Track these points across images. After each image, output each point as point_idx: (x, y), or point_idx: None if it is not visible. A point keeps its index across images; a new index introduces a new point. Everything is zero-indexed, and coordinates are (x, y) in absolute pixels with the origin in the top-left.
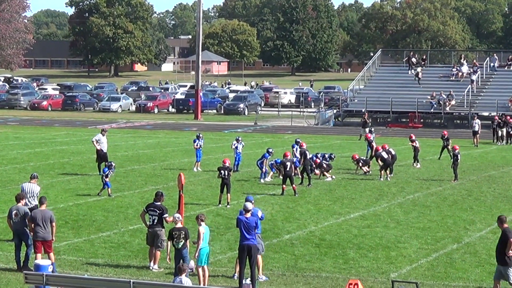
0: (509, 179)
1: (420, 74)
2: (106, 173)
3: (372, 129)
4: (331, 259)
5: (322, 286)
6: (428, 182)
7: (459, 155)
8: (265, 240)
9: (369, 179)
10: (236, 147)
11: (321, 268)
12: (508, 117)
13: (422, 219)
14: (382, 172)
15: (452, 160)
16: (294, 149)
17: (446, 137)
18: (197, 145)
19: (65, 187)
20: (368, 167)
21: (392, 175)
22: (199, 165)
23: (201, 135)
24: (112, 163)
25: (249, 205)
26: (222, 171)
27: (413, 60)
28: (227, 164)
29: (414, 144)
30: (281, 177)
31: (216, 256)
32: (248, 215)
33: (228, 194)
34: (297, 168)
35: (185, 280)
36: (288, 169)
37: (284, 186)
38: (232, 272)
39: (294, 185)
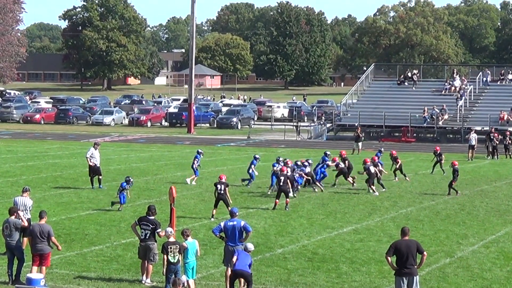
0: (501, 193)
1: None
2: (124, 187)
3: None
4: (324, 273)
5: None
6: (421, 197)
7: (457, 171)
8: (258, 254)
9: (356, 193)
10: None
11: (314, 282)
12: (495, 133)
13: (415, 233)
14: (371, 186)
15: (452, 175)
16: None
17: (438, 152)
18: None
19: (57, 201)
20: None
21: (384, 190)
22: (195, 180)
23: (201, 151)
24: (130, 178)
25: (251, 247)
26: (219, 186)
27: (409, 74)
28: (223, 180)
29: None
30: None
31: (208, 270)
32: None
33: (229, 208)
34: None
35: None
36: (282, 183)
37: (277, 200)
38: (224, 286)
39: (287, 199)
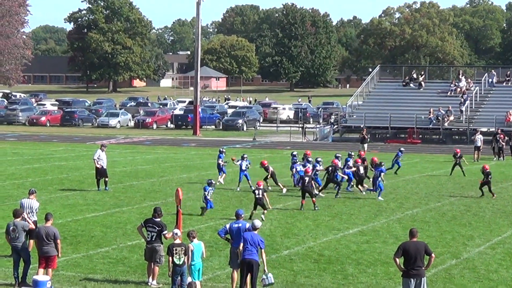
0: (507, 194)
1: (423, 84)
2: (208, 191)
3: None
4: (330, 274)
5: None
6: (427, 198)
7: (490, 174)
8: None
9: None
10: (241, 165)
11: (320, 284)
12: (501, 134)
13: (421, 235)
14: (359, 186)
15: (485, 177)
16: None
17: (459, 155)
18: (222, 162)
19: (63, 203)
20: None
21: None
22: (223, 178)
23: (223, 150)
24: (212, 180)
25: (258, 223)
26: (256, 192)
27: (414, 76)
28: (261, 186)
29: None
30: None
31: (214, 271)
32: (256, 232)
33: (265, 211)
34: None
35: None
36: (306, 184)
37: (303, 201)
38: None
39: (313, 198)
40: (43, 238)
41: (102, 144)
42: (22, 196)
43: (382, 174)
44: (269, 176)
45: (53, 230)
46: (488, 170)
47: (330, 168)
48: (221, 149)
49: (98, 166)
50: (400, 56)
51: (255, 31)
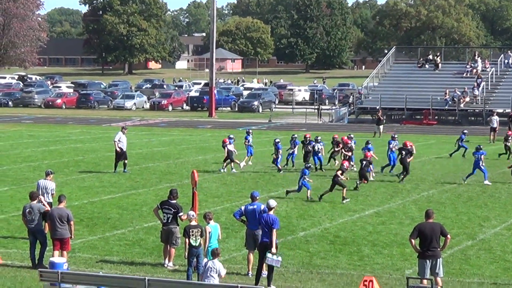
0: None
1: (439, 65)
2: (307, 175)
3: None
4: (345, 256)
5: (337, 283)
6: (442, 179)
7: None
8: (280, 237)
9: (381, 180)
10: (248, 140)
11: (336, 265)
12: None
13: (437, 216)
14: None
15: None
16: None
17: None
18: (248, 142)
19: (79, 185)
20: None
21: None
22: (250, 160)
23: (250, 131)
24: (310, 165)
25: (272, 203)
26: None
27: (430, 57)
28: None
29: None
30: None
31: (231, 253)
32: (271, 212)
33: (344, 190)
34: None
35: (219, 265)
36: (363, 167)
37: (364, 181)
38: (246, 269)
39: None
40: (56, 220)
41: (123, 127)
42: (38, 178)
43: (483, 156)
44: (225, 155)
45: (66, 212)
46: None
47: (365, 162)
48: (248, 130)
49: (117, 149)
50: (416, 38)
51: (270, 13)
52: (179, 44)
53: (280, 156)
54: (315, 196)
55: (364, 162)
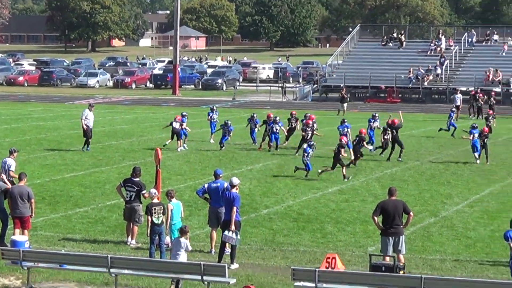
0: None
1: (404, 43)
2: (308, 152)
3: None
4: (309, 233)
5: (300, 260)
6: (406, 157)
7: None
8: (243, 214)
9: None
10: (212, 117)
11: (299, 242)
12: (480, 93)
13: (400, 193)
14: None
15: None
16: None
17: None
18: (210, 118)
19: (42, 163)
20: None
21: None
22: (213, 137)
23: (215, 108)
24: (312, 142)
25: (235, 181)
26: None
27: (394, 35)
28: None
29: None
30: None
31: (194, 231)
32: (234, 190)
33: (344, 169)
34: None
35: (184, 241)
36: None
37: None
38: (209, 247)
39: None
40: (17, 198)
41: (90, 104)
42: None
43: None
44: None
45: (27, 189)
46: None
47: (357, 139)
48: (212, 107)
49: (84, 126)
50: (381, 16)
51: None
52: (143, 21)
53: (256, 130)
54: (313, 175)
55: (357, 139)
